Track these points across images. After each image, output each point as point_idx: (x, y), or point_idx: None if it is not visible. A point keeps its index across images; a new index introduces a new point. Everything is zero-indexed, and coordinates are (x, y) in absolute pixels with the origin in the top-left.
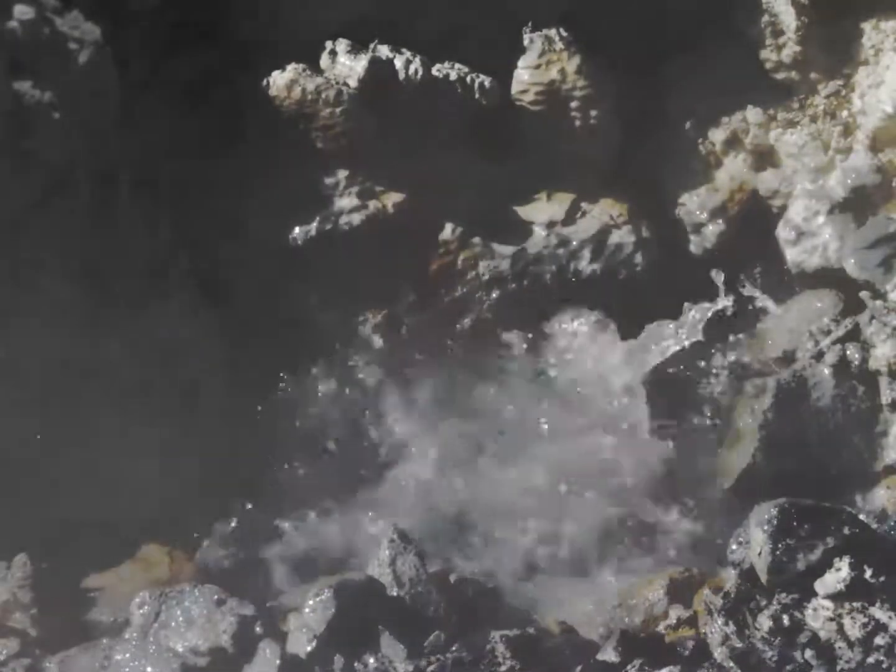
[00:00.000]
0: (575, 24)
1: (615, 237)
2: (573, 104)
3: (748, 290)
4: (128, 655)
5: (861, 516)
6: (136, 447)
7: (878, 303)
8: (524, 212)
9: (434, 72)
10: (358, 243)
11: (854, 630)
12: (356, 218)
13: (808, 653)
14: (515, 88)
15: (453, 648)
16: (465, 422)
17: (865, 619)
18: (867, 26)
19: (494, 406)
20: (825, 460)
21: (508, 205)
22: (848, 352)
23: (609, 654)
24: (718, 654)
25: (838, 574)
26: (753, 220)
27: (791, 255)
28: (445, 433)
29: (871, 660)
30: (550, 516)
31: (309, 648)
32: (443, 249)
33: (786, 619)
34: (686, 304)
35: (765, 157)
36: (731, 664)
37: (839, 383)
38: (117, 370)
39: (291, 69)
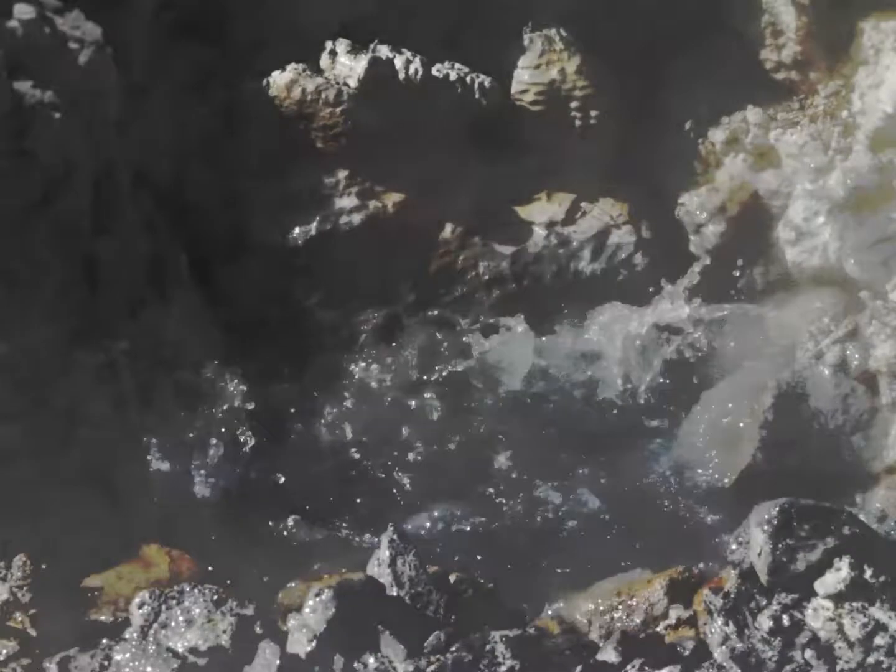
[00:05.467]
0: (575, 24)
1: (615, 237)
2: (573, 104)
3: None
4: (128, 655)
5: (861, 516)
6: (137, 447)
7: (878, 303)
8: (524, 212)
9: (434, 72)
10: (358, 243)
11: (854, 630)
12: (356, 218)
13: (808, 653)
14: (515, 88)
15: (453, 648)
16: None
17: (865, 619)
18: (867, 26)
19: None
20: (825, 460)
21: (508, 205)
22: (848, 352)
23: (609, 654)
24: (718, 654)
25: (838, 574)
26: (753, 220)
27: (791, 255)
28: None
29: (871, 660)
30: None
31: (309, 648)
32: (443, 249)
33: (786, 619)
34: None
35: (765, 157)
36: (731, 664)
37: (839, 383)
38: (117, 370)
39: (291, 69)
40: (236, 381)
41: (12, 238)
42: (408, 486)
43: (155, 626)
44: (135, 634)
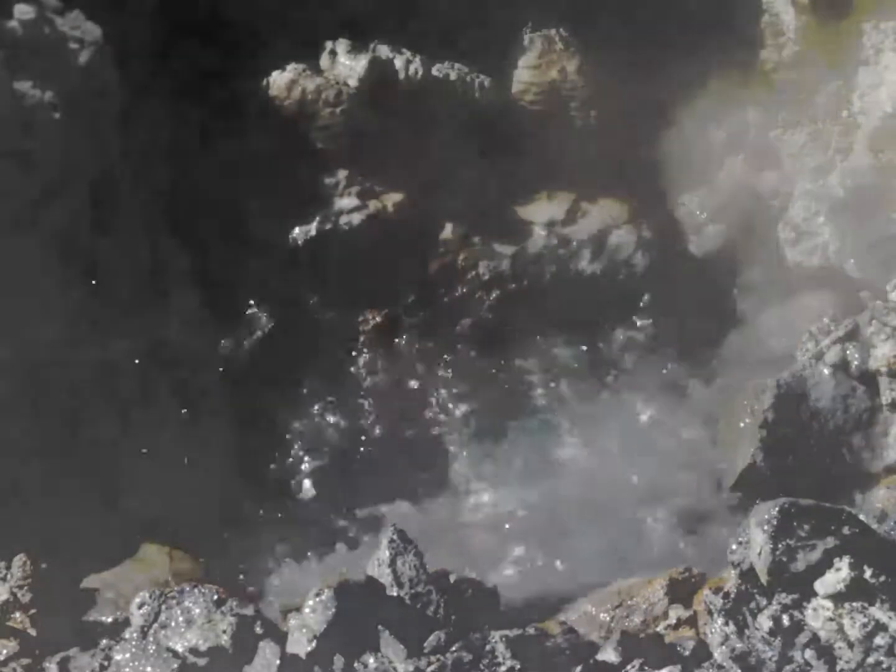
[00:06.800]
0: (575, 24)
1: (615, 237)
2: (573, 104)
3: None
4: (128, 655)
5: (861, 516)
6: (137, 448)
7: (878, 303)
8: (524, 212)
9: (434, 72)
10: (358, 243)
11: (854, 630)
12: (356, 218)
13: (808, 653)
14: (515, 88)
15: (453, 648)
16: None
17: (865, 619)
18: (867, 26)
19: None
20: (825, 460)
21: (508, 205)
22: (848, 352)
23: (609, 654)
24: (718, 654)
25: (838, 574)
26: (753, 220)
27: (791, 255)
28: None
29: (871, 660)
30: None
31: (309, 648)
32: (443, 249)
33: (786, 619)
34: None
35: (765, 157)
36: (731, 664)
37: (839, 383)
38: (117, 370)
39: (291, 69)
40: None
41: (12, 238)
42: None
43: (155, 626)
44: (135, 634)
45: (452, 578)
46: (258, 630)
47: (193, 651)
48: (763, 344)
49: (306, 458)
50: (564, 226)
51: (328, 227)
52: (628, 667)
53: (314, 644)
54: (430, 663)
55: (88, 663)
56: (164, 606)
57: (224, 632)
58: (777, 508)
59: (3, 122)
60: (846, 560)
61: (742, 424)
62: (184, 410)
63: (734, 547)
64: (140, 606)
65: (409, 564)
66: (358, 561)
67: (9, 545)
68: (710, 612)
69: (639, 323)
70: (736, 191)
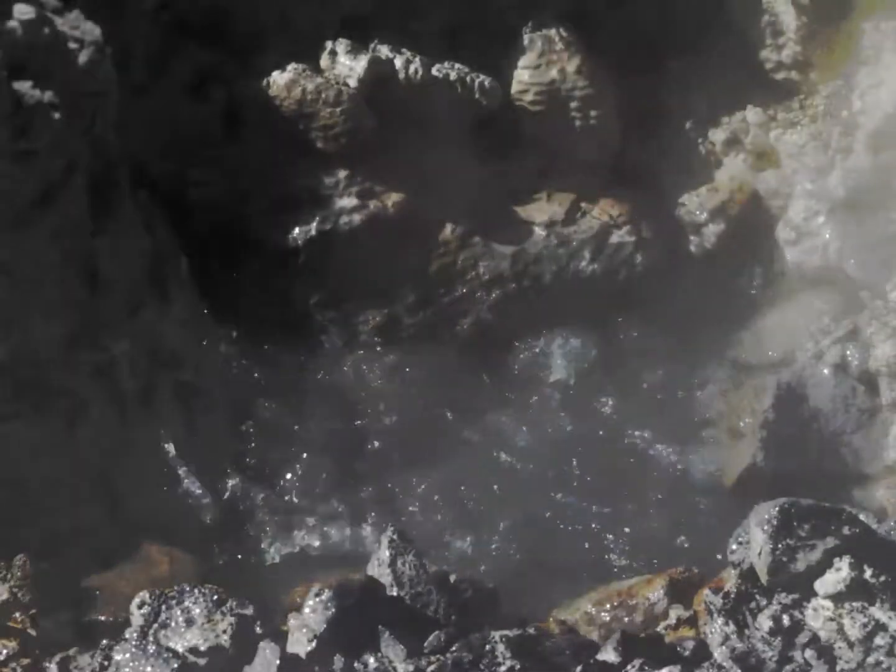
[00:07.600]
0: (575, 24)
1: (615, 237)
2: (573, 104)
3: None
4: (128, 655)
5: (861, 516)
6: (137, 447)
7: (878, 303)
8: (524, 212)
9: (434, 72)
10: (358, 243)
11: (854, 630)
12: (356, 218)
13: (808, 653)
14: (515, 88)
15: (453, 648)
16: None
17: (865, 619)
18: (867, 26)
19: None
20: (825, 460)
21: (508, 205)
22: (848, 352)
23: (609, 654)
24: (718, 654)
25: (838, 574)
26: (753, 220)
27: (791, 255)
28: None
29: (871, 660)
30: None
31: (309, 648)
32: (443, 249)
33: (786, 619)
34: None
35: (765, 157)
36: (731, 664)
37: (839, 383)
38: (117, 370)
39: (291, 69)
40: None
41: (13, 237)
42: None
43: (155, 626)
44: (135, 634)
45: (452, 578)
46: (258, 630)
47: (193, 651)
48: (763, 344)
49: (306, 457)
50: (564, 226)
51: (328, 227)
52: (628, 667)
53: (314, 644)
54: (430, 663)
55: (88, 663)
56: (164, 606)
57: (224, 632)
58: (777, 508)
59: (3, 122)
60: (846, 560)
61: (742, 424)
62: (183, 409)
63: (734, 547)
64: (140, 606)
65: (409, 564)
66: (358, 561)
67: (9, 545)
68: (710, 612)
69: (638, 323)
70: (736, 191)
